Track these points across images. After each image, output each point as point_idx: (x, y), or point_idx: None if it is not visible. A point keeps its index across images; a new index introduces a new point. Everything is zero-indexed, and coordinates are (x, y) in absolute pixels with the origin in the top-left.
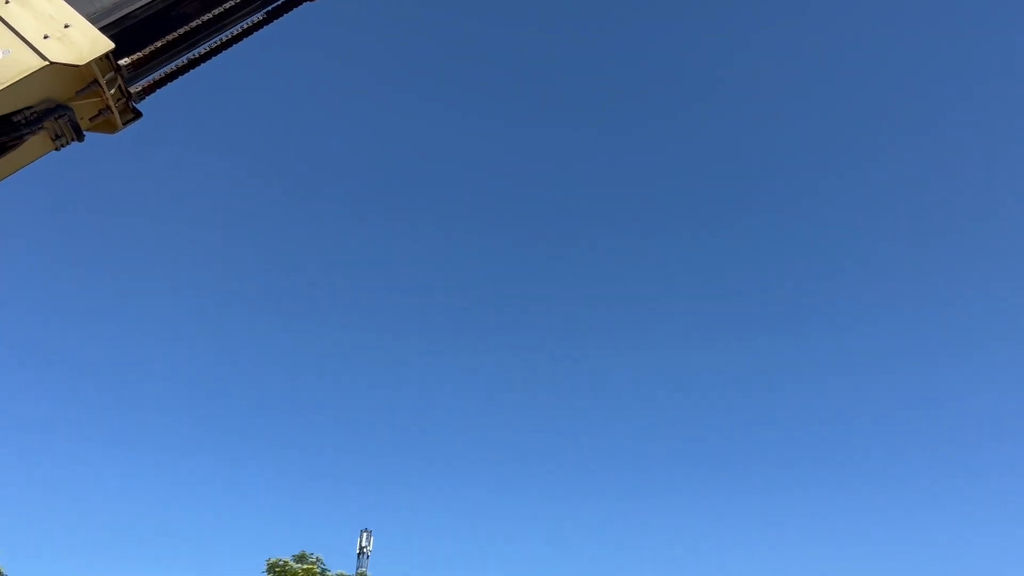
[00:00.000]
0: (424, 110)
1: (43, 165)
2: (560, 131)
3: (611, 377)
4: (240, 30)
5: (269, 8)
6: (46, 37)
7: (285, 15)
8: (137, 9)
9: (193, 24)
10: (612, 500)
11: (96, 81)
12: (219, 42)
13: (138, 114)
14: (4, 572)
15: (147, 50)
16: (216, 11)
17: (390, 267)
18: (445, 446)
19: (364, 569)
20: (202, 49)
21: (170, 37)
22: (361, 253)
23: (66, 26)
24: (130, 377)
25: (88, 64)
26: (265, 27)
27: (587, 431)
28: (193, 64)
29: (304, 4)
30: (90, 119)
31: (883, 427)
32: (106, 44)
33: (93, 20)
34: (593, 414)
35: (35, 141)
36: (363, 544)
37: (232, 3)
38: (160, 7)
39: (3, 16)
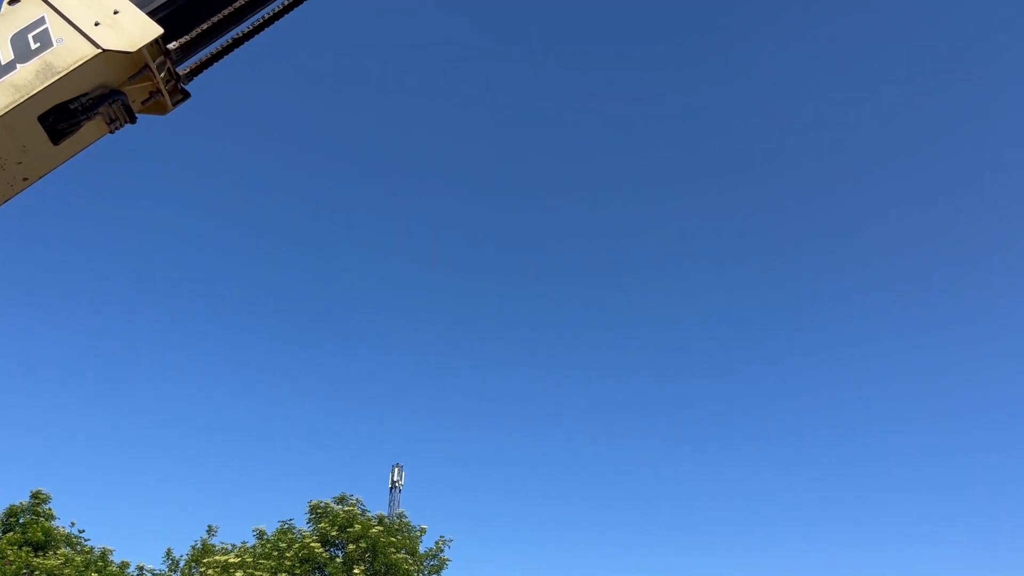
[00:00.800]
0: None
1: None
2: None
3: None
4: (281, 6)
5: None
6: (97, 24)
7: None
8: None
9: (237, 4)
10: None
11: (147, 66)
12: (262, 19)
13: (187, 95)
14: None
15: (194, 33)
16: None
17: None
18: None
19: (400, 510)
20: (246, 27)
21: (215, 19)
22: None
23: (115, 12)
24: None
25: (139, 50)
26: (305, 2)
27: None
28: (238, 43)
29: None
30: (142, 102)
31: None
32: (155, 30)
33: (140, 5)
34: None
35: (91, 126)
36: (395, 479)
37: None
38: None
39: (53, 3)
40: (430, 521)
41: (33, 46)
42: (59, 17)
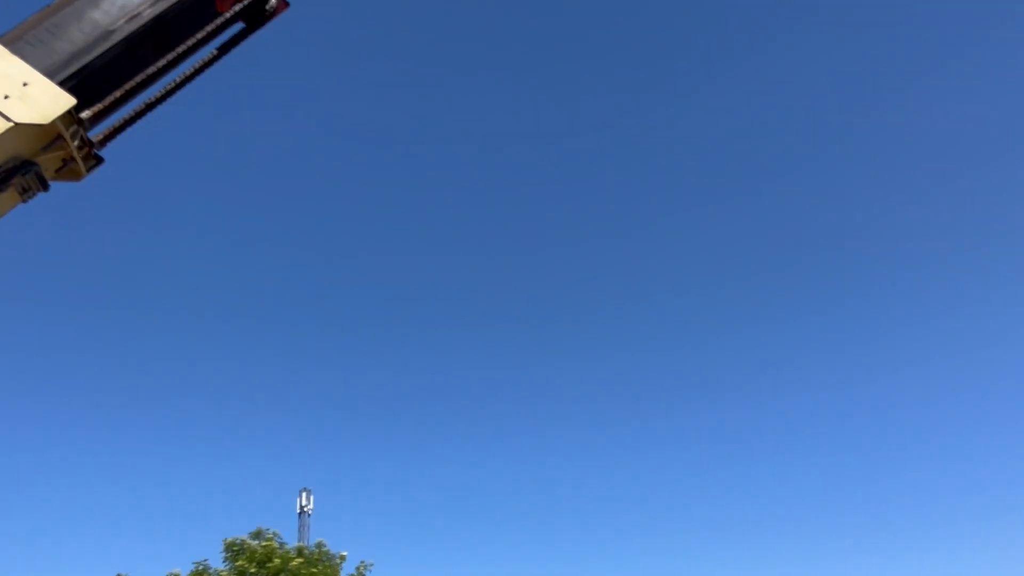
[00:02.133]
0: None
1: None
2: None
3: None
4: (192, 69)
5: (219, 44)
6: (7, 97)
7: (234, 49)
8: (93, 59)
9: (149, 71)
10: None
11: (60, 136)
12: (173, 83)
13: (100, 160)
14: None
15: (107, 100)
16: (170, 56)
17: None
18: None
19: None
20: (157, 91)
21: (128, 86)
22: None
23: (25, 84)
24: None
25: (52, 121)
26: (216, 63)
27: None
28: (150, 107)
29: (252, 37)
30: (56, 171)
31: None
32: (68, 101)
33: (50, 74)
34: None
35: (3, 197)
36: (303, 504)
37: (185, 47)
38: (115, 54)
39: None
40: (346, 546)
41: None
42: None
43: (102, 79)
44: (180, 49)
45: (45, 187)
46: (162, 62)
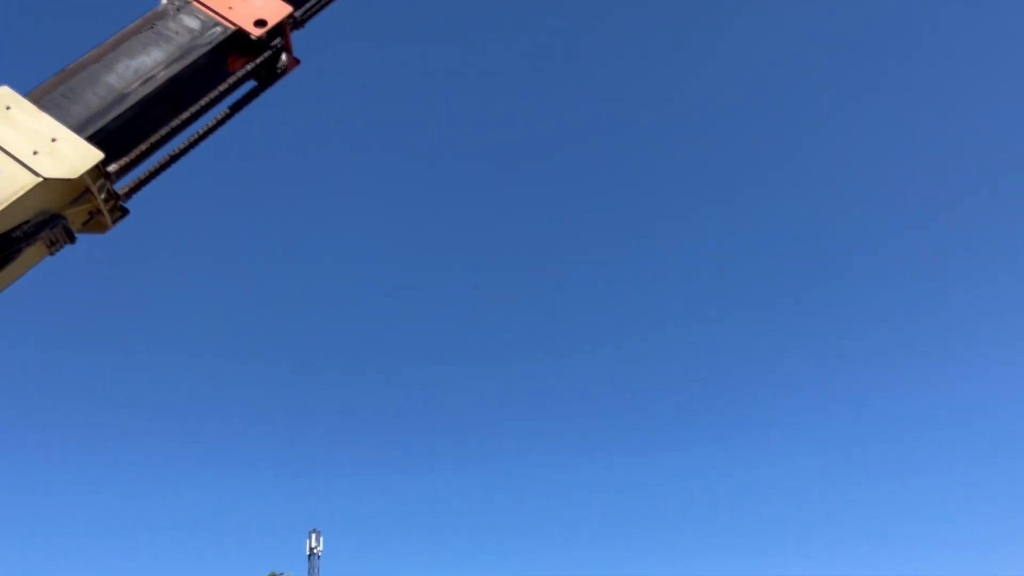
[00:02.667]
0: None
1: None
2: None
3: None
4: (206, 128)
5: (231, 103)
6: (35, 153)
7: (245, 108)
8: (111, 120)
9: (173, 124)
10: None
11: (88, 190)
12: (196, 135)
13: (126, 212)
14: None
15: (133, 154)
16: (184, 116)
17: None
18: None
19: None
20: (181, 143)
21: (153, 139)
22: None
23: (53, 140)
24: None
25: (80, 176)
26: (228, 121)
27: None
28: (174, 159)
29: (261, 96)
30: (83, 223)
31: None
32: (95, 155)
33: (77, 129)
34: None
35: (31, 251)
36: (313, 545)
37: (198, 107)
38: (131, 116)
39: None
40: None
41: None
42: None
43: (129, 134)
44: (193, 109)
45: (72, 240)
46: (176, 122)
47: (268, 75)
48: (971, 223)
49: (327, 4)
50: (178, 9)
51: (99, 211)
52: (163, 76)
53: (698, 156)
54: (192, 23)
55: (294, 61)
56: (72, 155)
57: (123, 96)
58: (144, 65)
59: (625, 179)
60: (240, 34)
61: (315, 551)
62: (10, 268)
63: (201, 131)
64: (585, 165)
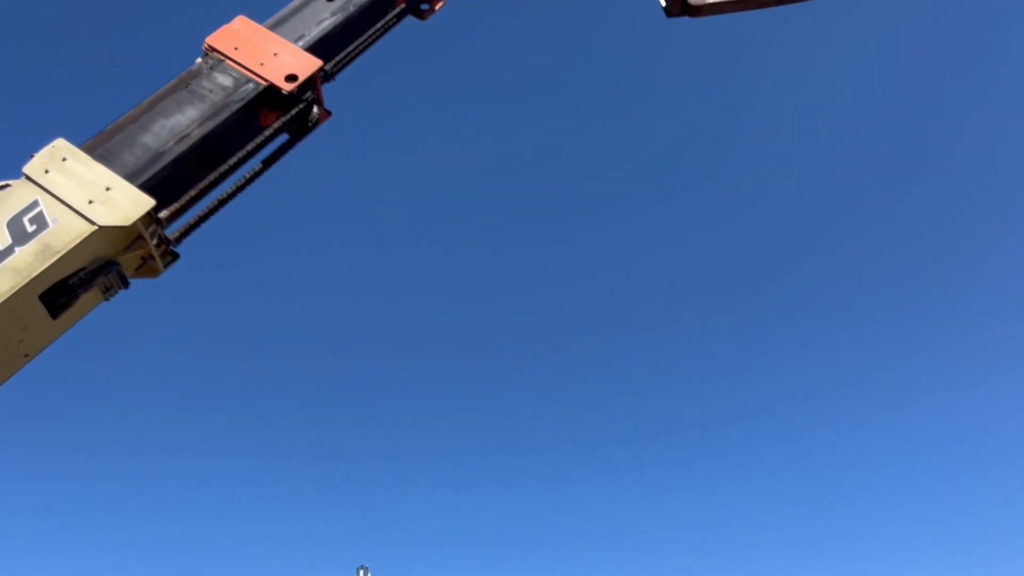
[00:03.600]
0: None
1: None
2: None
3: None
4: (260, 165)
5: (264, 157)
6: (91, 202)
7: (279, 161)
8: (144, 182)
9: (221, 169)
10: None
11: (141, 236)
12: (244, 179)
13: (176, 256)
14: None
15: (183, 200)
16: (221, 170)
17: None
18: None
19: None
20: (229, 187)
21: (202, 184)
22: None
23: (107, 188)
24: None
25: (133, 223)
26: (263, 174)
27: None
28: (223, 203)
29: (292, 151)
30: (136, 269)
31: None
32: (148, 202)
33: (129, 177)
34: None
35: (87, 297)
36: None
37: (230, 164)
38: (164, 176)
39: (45, 186)
40: None
41: (29, 229)
42: (52, 198)
43: (179, 180)
44: (224, 168)
45: (126, 285)
46: (213, 176)
47: (300, 128)
48: (972, 223)
49: (357, 55)
50: (212, 68)
51: (151, 256)
52: (198, 134)
53: (698, 156)
54: (225, 81)
55: (325, 113)
56: (126, 203)
57: (159, 155)
58: (179, 124)
59: (625, 178)
60: (272, 89)
61: None
62: (67, 314)
63: (239, 182)
64: (585, 165)
